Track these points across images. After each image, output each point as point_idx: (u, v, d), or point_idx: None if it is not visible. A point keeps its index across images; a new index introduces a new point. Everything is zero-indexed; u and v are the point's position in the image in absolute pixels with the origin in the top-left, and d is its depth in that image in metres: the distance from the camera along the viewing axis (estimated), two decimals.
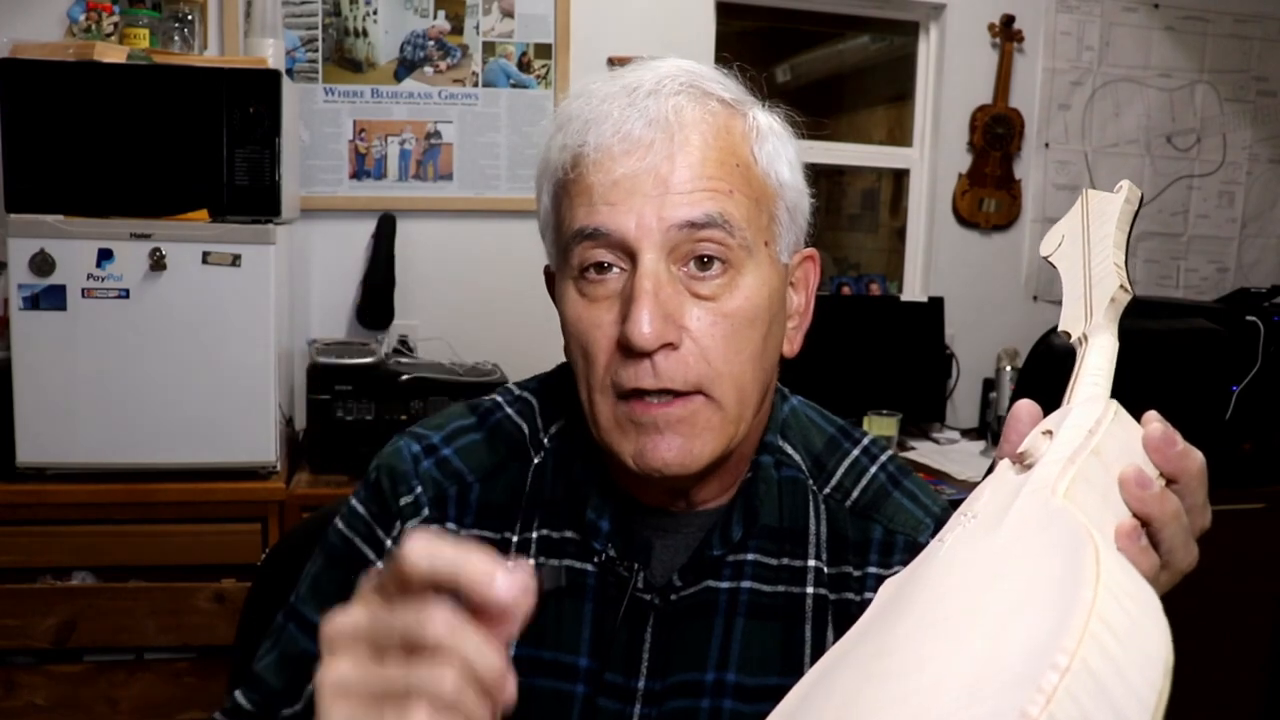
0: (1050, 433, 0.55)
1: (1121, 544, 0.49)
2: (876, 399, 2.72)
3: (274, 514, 2.10)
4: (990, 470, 0.60)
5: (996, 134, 3.07)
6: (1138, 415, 0.56)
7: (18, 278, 1.98)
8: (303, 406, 2.39)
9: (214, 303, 2.05)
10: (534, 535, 0.86)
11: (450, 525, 0.86)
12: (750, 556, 0.85)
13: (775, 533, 0.86)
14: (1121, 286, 0.62)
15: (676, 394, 0.76)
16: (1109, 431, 0.53)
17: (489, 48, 2.70)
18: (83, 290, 2.00)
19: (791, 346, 0.85)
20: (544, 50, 2.72)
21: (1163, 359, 2.44)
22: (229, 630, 1.57)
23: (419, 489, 0.86)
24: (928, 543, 0.58)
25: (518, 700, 0.71)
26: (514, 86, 2.71)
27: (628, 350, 0.75)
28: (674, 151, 0.75)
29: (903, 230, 3.21)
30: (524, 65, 2.71)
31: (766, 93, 0.86)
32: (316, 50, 2.60)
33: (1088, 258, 0.66)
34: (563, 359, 0.85)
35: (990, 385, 3.01)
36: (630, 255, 0.76)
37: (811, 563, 0.86)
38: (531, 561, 0.85)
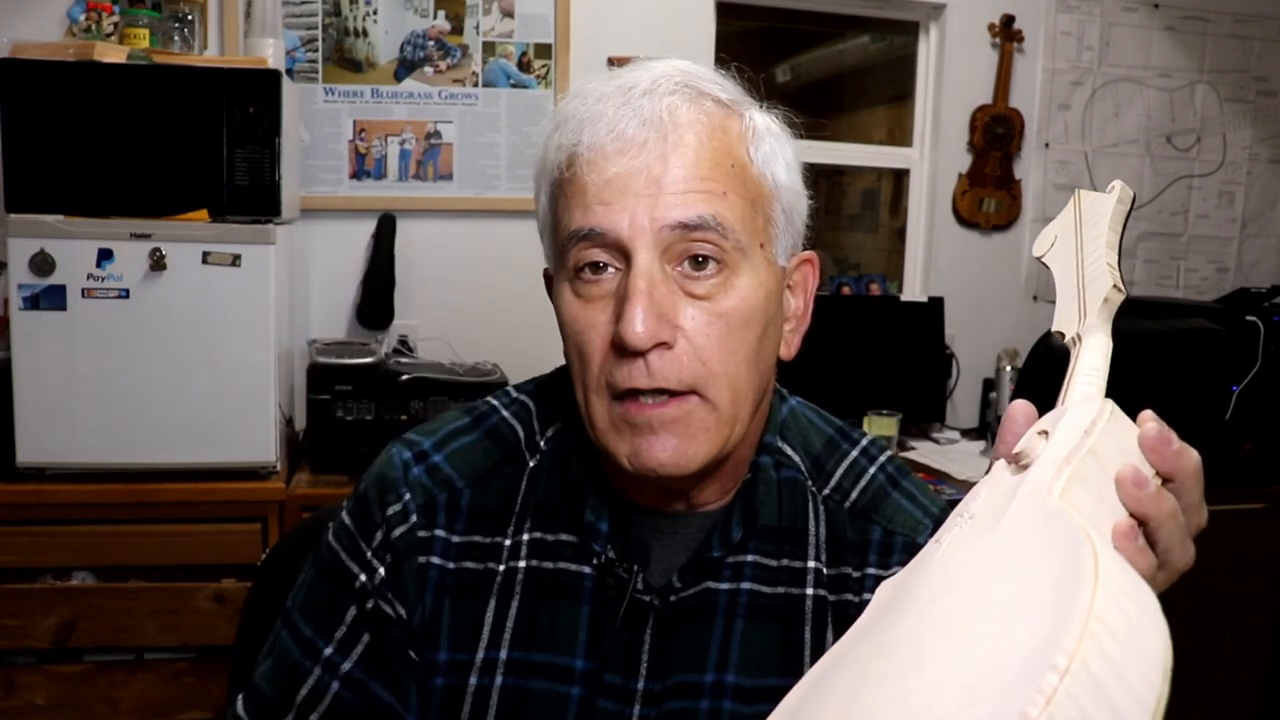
0: (1046, 433, 0.55)
1: (1119, 544, 0.49)
2: (876, 399, 2.72)
3: (274, 514, 2.10)
4: (989, 471, 0.60)
5: (996, 134, 3.07)
6: (1137, 415, 0.56)
7: (18, 278, 1.98)
8: (303, 406, 2.39)
9: (214, 303, 2.05)
10: (525, 538, 0.85)
11: (439, 533, 0.85)
12: (750, 558, 0.85)
13: (775, 534, 0.86)
14: (1115, 286, 0.62)
15: (671, 394, 0.76)
16: (1105, 431, 0.53)
17: (489, 48, 2.70)
18: (83, 290, 2.00)
19: (789, 349, 0.85)
20: (544, 50, 2.72)
21: (1163, 359, 2.45)
22: (229, 630, 1.58)
23: (408, 496, 0.86)
24: (926, 543, 0.58)
25: (511, 703, 0.71)
26: (514, 86, 2.71)
27: (622, 350, 0.75)
28: (667, 151, 0.75)
29: (903, 230, 3.21)
30: (524, 65, 2.72)
31: (765, 93, 0.85)
32: (316, 50, 2.60)
33: (1081, 258, 0.66)
34: (562, 360, 0.85)
35: (990, 385, 3.01)
36: (624, 255, 0.75)
37: (811, 564, 0.86)
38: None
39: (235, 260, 2.04)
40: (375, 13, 2.62)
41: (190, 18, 2.40)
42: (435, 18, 2.66)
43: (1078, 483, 0.49)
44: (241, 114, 2.06)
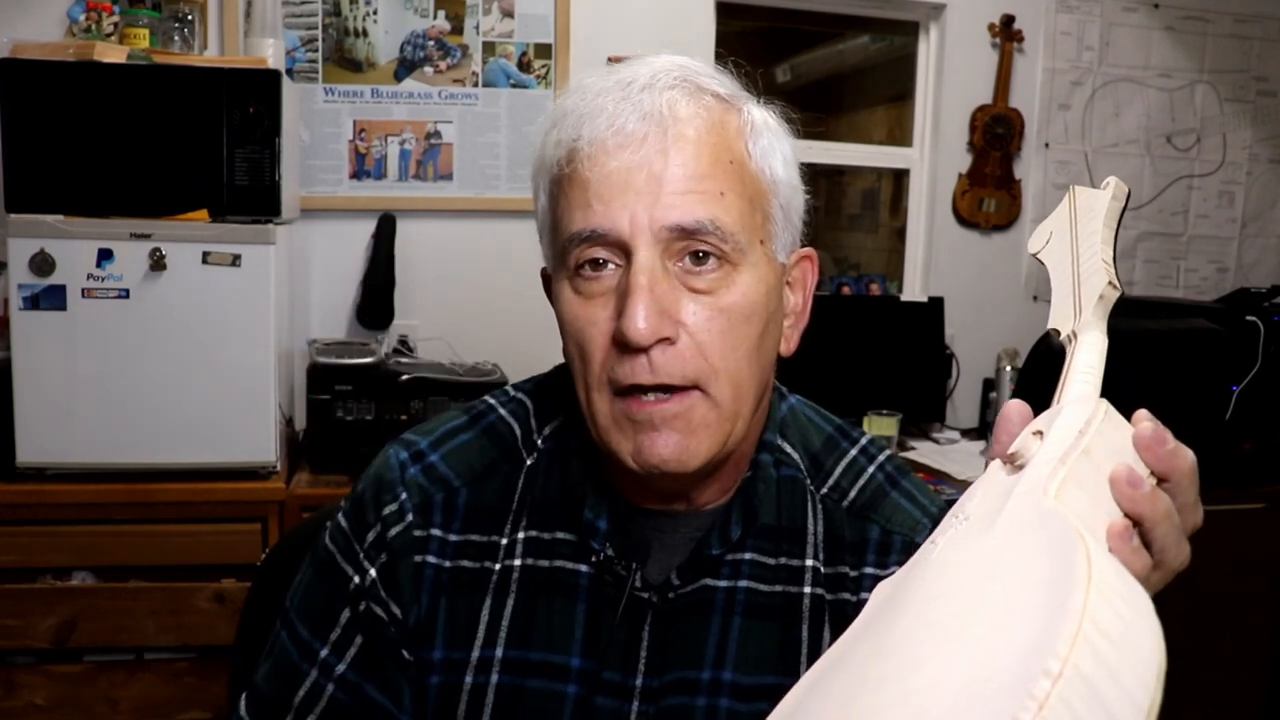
0: (1041, 433, 0.55)
1: (1113, 544, 0.49)
2: (876, 399, 2.72)
3: (274, 514, 2.10)
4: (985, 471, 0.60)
5: (996, 134, 3.07)
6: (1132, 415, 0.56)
7: (18, 278, 1.98)
8: (303, 406, 2.39)
9: (214, 303, 2.05)
10: (521, 537, 0.85)
11: (435, 532, 0.85)
12: (748, 556, 0.85)
13: (773, 532, 0.86)
14: (1110, 283, 0.62)
15: (673, 390, 0.76)
16: (1099, 431, 0.53)
17: (489, 48, 2.70)
18: (83, 290, 2.00)
19: (788, 346, 0.85)
20: (544, 50, 2.72)
21: (1162, 359, 2.45)
22: (229, 630, 1.57)
23: (404, 496, 0.86)
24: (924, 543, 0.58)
25: (507, 702, 0.71)
26: (514, 86, 2.71)
27: (624, 346, 0.74)
28: (667, 146, 0.75)
29: (903, 230, 3.21)
30: (524, 65, 2.72)
31: (763, 90, 0.85)
32: (316, 50, 2.60)
33: (1076, 255, 0.65)
34: (562, 360, 0.85)
35: (990, 385, 3.01)
36: (625, 251, 0.75)
37: (809, 562, 0.86)
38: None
39: (235, 260, 2.04)
40: (375, 13, 2.62)
41: (190, 18, 2.40)
42: (435, 18, 2.66)
43: (1072, 483, 0.49)
44: (241, 114, 2.05)
